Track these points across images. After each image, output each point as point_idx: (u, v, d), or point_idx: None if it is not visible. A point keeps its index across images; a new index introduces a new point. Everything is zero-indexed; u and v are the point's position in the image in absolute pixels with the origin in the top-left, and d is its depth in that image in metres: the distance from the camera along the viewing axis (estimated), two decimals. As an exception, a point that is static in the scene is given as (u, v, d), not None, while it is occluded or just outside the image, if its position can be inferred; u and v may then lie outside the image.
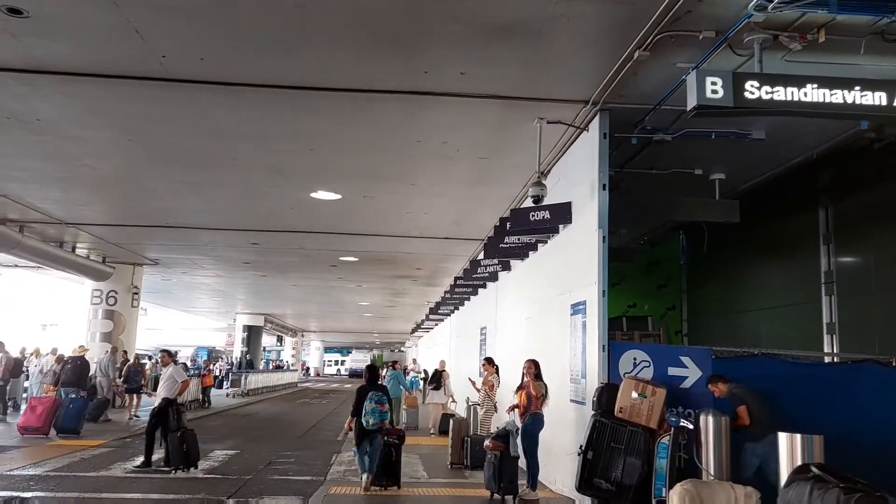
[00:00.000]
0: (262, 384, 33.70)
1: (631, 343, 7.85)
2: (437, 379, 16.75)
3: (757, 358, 7.93)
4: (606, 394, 6.82)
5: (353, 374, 67.80)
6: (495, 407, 11.61)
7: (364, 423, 8.51)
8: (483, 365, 11.89)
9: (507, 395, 11.91)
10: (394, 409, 15.38)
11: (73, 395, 14.56)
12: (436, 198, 12.21)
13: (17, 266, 22.24)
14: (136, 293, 21.08)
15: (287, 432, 16.88)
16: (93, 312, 20.72)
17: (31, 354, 18.85)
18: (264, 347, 60.20)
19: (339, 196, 12.18)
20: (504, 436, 8.08)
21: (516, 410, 8.45)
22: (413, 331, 44.53)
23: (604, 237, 7.82)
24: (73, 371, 15.43)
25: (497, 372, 11.81)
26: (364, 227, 15.01)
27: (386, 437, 8.71)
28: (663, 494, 6.37)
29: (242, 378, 29.56)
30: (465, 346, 21.42)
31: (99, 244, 18.01)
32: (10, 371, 15.69)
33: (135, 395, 17.61)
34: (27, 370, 18.33)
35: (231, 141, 9.43)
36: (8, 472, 9.37)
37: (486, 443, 8.22)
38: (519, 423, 8.33)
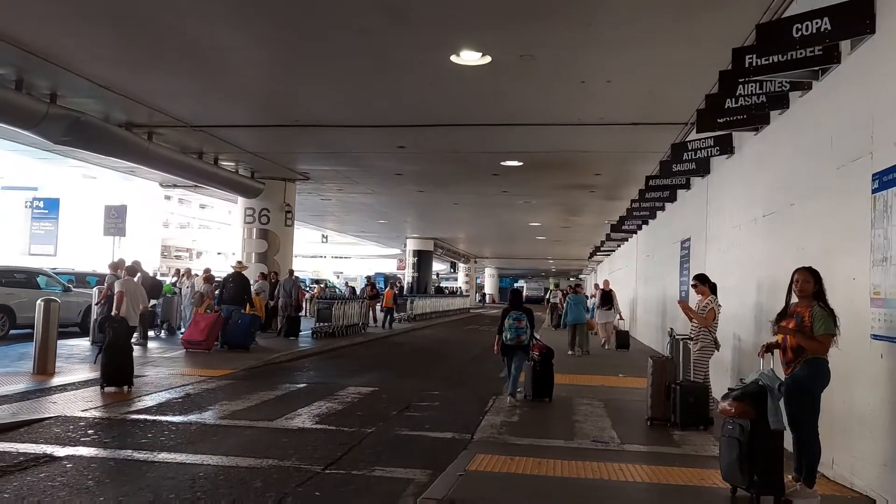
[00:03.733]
0: (431, 309, 32.18)
1: None
2: (609, 299, 17.39)
3: None
4: None
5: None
6: (716, 343, 8.11)
7: (503, 339, 8.99)
8: (694, 286, 8.37)
9: (725, 327, 8.38)
10: (581, 333, 15.70)
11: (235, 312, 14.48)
12: (623, 50, 8.60)
13: (175, 186, 21.68)
14: (288, 211, 19.52)
15: (443, 364, 14.50)
16: (247, 232, 19.51)
17: (183, 275, 18.06)
18: (437, 273, 59.76)
19: (487, 58, 8.99)
20: (757, 394, 4.70)
21: (777, 353, 5.00)
22: (591, 255, 40.81)
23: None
24: (235, 288, 14.91)
25: (714, 292, 8.25)
26: (525, 111, 11.71)
27: (532, 355, 9.20)
28: None
29: (408, 303, 27.96)
30: (658, 266, 17.66)
31: (240, 154, 16.37)
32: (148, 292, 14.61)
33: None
34: (179, 290, 17.57)
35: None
36: (81, 412, 7.57)
37: (724, 405, 4.89)
38: (782, 375, 4.91)
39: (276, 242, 19.46)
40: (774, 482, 4.65)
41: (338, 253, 75.59)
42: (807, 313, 4.78)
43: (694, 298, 8.63)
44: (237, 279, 15.12)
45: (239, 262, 17.29)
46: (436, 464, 5.85)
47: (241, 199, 19.41)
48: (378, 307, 23.89)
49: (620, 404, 9.28)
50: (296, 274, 19.07)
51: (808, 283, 4.84)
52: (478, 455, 6.09)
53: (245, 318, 14.52)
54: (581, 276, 66.09)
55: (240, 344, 14.12)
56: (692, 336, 8.19)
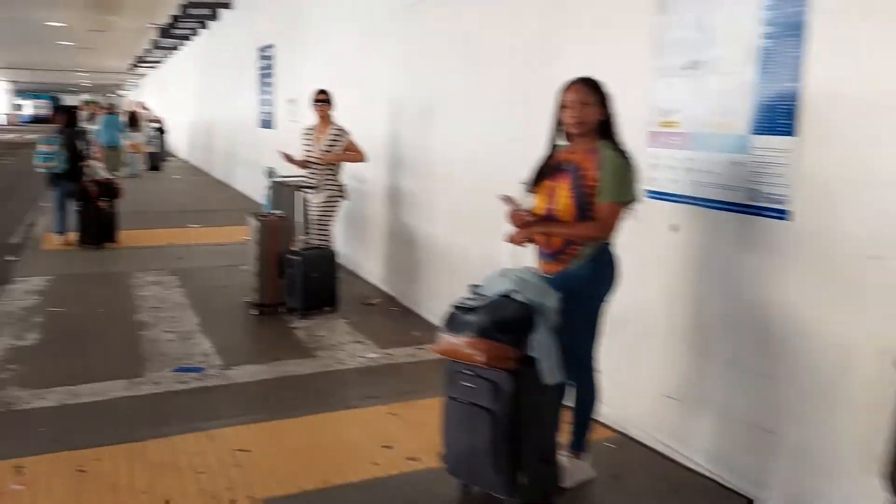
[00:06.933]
0: None
1: None
2: (135, 121, 16.95)
3: None
4: None
5: (37, 120, 56.94)
6: (342, 190, 5.76)
7: None
8: (317, 105, 5.70)
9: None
10: (116, 156, 14.06)
11: None
12: None
13: None
14: None
15: None
16: None
17: None
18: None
19: None
20: (520, 323, 2.47)
21: (529, 236, 2.77)
22: (134, 67, 34.42)
23: None
24: None
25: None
26: None
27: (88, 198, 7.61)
28: None
29: None
30: (227, 82, 14.39)
31: None
32: None
33: None
34: None
35: None
36: None
37: (455, 342, 2.53)
38: (536, 267, 2.73)
39: None
40: (551, 477, 2.63)
41: None
42: (590, 164, 2.61)
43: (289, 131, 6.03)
44: None
45: None
46: None
47: None
48: None
49: (205, 277, 6.57)
50: None
51: (588, 105, 2.63)
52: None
53: None
54: (121, 93, 57.31)
55: None
56: (313, 181, 5.68)
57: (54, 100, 63.85)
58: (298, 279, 5.26)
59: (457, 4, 4.78)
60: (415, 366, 4.32)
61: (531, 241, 2.73)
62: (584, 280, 2.65)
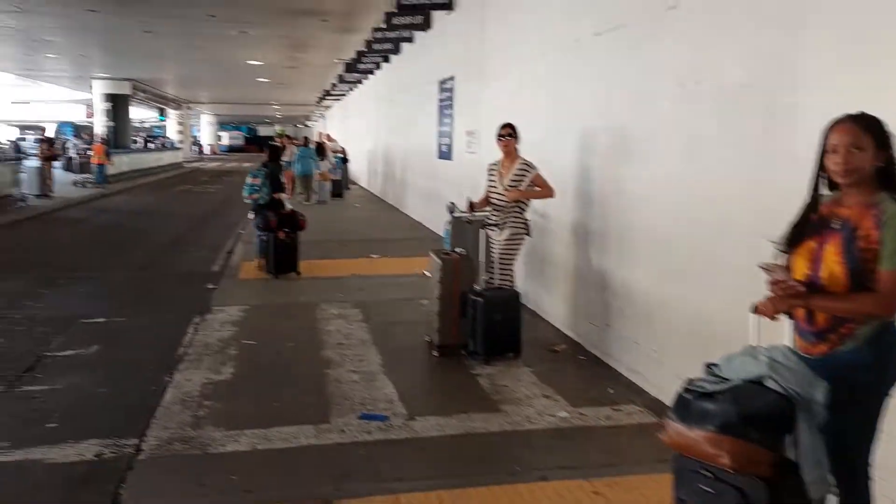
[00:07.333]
0: (131, 167, 26.41)
1: None
2: (322, 151, 17.69)
3: None
4: None
5: (231, 149, 65.07)
6: (527, 227, 5.49)
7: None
8: (503, 139, 5.48)
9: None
10: (307, 185, 16.20)
11: None
12: None
13: None
14: None
15: (127, 253, 10.33)
16: None
17: None
18: (142, 121, 51.55)
19: None
20: (776, 419, 2.02)
21: (785, 308, 2.27)
22: (320, 100, 36.84)
23: None
24: None
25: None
26: None
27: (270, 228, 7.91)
28: None
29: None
30: (407, 113, 14.78)
31: None
32: None
33: None
34: None
35: None
36: None
37: (691, 435, 2.11)
38: (793, 346, 2.23)
39: None
40: None
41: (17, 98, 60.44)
42: (868, 221, 2.09)
43: (477, 160, 5.82)
44: None
45: None
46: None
47: None
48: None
49: (386, 311, 6.56)
50: None
51: (862, 150, 2.11)
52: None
53: None
54: (308, 124, 61.73)
55: None
56: (497, 218, 5.45)
57: (248, 131, 70.36)
58: (480, 321, 5.02)
59: (658, 28, 4.34)
60: (613, 431, 3.88)
61: (787, 313, 2.25)
62: (863, 367, 2.11)
